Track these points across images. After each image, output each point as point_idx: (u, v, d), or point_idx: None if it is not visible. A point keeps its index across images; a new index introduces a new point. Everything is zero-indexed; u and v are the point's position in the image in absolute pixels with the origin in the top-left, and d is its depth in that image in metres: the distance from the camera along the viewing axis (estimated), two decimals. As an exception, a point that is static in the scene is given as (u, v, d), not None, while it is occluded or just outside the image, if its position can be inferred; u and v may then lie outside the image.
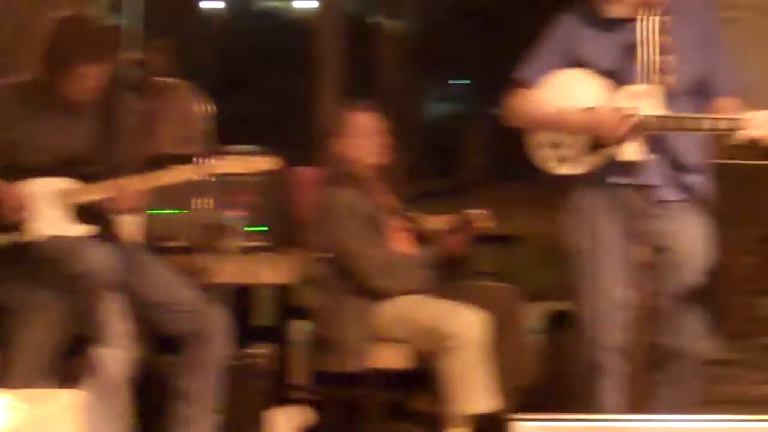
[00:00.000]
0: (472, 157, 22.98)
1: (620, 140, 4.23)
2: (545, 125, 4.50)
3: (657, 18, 4.19)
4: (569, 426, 3.48)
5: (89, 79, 4.40)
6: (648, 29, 4.14)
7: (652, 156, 4.33)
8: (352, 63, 18.93)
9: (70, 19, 4.51)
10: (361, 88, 19.19)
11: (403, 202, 5.49)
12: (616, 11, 4.36)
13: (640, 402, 4.44)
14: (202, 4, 25.32)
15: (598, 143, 4.36)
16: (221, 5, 27.00)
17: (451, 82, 27.37)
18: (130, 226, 4.80)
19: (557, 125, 4.46)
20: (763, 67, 6.72)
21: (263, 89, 20.96)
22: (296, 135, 10.21)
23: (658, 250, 4.42)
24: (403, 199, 15.87)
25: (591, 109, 4.36)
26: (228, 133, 4.89)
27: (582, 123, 4.39)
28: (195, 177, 4.34)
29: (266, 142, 5.70)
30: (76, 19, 4.55)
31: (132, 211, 4.49)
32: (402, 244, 5.16)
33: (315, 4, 21.16)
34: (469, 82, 25.54)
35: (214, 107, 4.11)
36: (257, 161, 4.49)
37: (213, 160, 4.33)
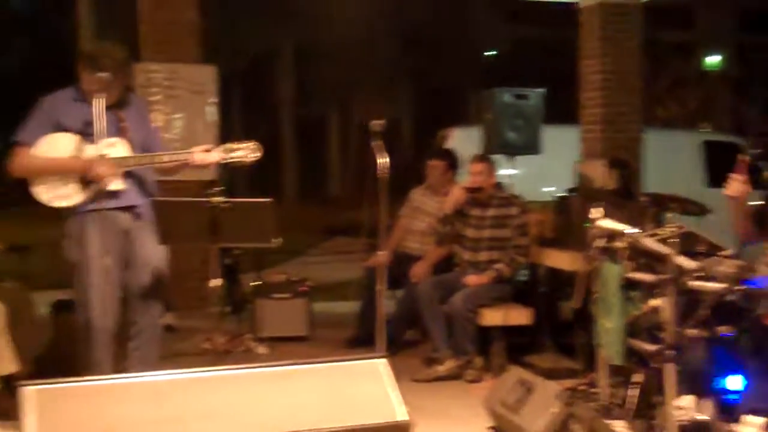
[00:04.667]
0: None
1: (101, 176, 4.20)
2: (49, 171, 4.35)
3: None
4: (67, 387, 3.42)
5: None
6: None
7: (130, 186, 4.36)
8: None
9: None
10: None
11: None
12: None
13: (120, 364, 4.46)
14: None
15: (87, 181, 4.30)
16: None
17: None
18: None
19: (58, 170, 4.34)
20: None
21: None
22: None
23: (133, 255, 4.44)
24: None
25: (76, 156, 4.30)
26: None
27: (72, 166, 4.31)
28: None
29: None
30: None
31: None
32: None
33: None
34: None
35: None
36: None
37: None
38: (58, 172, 4.33)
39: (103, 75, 4.23)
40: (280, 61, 20.96)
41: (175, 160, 4.36)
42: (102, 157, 4.17)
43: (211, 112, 7.35)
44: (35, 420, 3.26)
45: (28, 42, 22.97)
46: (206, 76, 7.33)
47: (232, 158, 4.29)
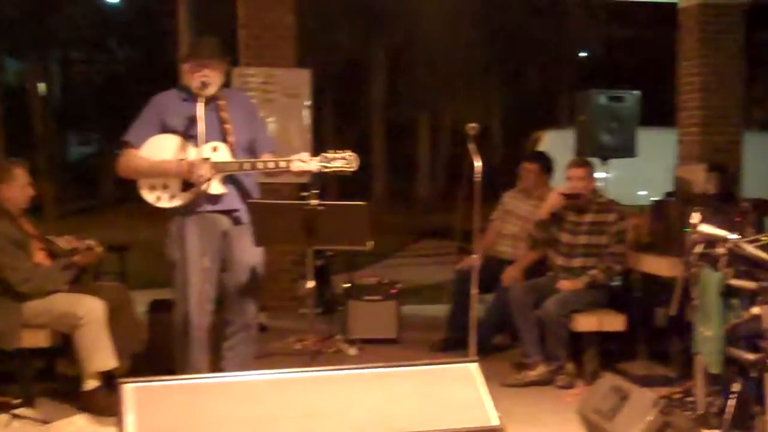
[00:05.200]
0: (106, 184, 22.34)
1: (202, 180, 4.27)
2: (146, 175, 4.46)
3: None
4: (165, 384, 3.48)
5: None
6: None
7: (230, 190, 4.44)
8: (12, 118, 17.90)
9: None
10: (20, 137, 18.16)
11: (53, 222, 5.24)
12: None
13: (216, 363, 4.53)
14: None
15: (188, 184, 4.39)
16: None
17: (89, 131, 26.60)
18: None
19: (160, 172, 4.44)
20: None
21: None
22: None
23: (231, 257, 4.51)
24: (54, 217, 15.02)
25: (181, 159, 4.39)
26: None
27: (169, 171, 4.40)
28: None
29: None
30: None
31: None
32: (42, 259, 4.94)
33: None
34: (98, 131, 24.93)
35: None
36: None
37: None
38: (161, 175, 4.43)
39: (205, 62, 4.32)
40: (372, 64, 21.05)
41: (274, 168, 4.41)
42: (204, 161, 4.24)
43: (306, 116, 7.44)
44: (134, 416, 3.33)
45: (130, 47, 23.68)
46: (301, 79, 7.42)
47: (330, 168, 4.30)
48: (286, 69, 7.35)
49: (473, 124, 4.34)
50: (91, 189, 22.50)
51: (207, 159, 4.24)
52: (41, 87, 20.87)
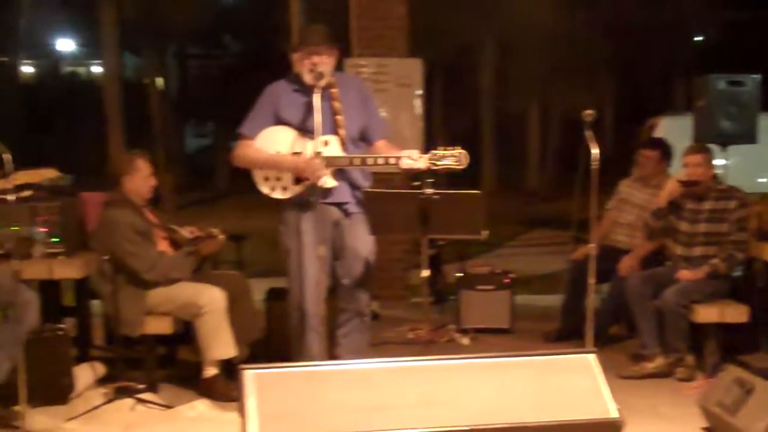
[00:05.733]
0: (222, 175, 22.88)
1: (316, 177, 4.32)
2: (261, 167, 4.53)
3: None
4: (284, 371, 3.54)
5: None
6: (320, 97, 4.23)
7: (340, 182, 4.48)
8: (132, 111, 18.49)
9: None
10: (140, 130, 18.75)
11: (173, 212, 5.40)
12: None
13: (331, 350, 4.58)
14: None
15: (301, 178, 4.45)
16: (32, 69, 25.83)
17: (204, 123, 27.31)
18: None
19: (268, 166, 4.51)
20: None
21: (67, 133, 20.14)
22: (88, 167, 9.81)
23: (343, 246, 4.56)
24: (173, 207, 15.47)
25: (297, 153, 4.44)
26: (38, 165, 4.69)
27: (284, 166, 4.46)
28: (7, 186, 4.08)
29: (66, 171, 5.54)
30: None
31: None
32: (165, 248, 5.09)
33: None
34: (214, 123, 25.55)
35: (18, 151, 3.91)
36: (43, 172, 4.29)
37: (14, 175, 4.09)
38: (275, 168, 4.50)
39: (315, 49, 4.36)
40: (482, 52, 20.89)
41: (383, 165, 4.41)
42: (316, 155, 4.28)
43: (417, 105, 7.44)
44: (255, 402, 3.39)
45: (244, 40, 24.13)
46: (413, 69, 7.42)
47: (439, 166, 4.28)
48: (398, 59, 7.35)
49: (590, 111, 4.25)
50: (207, 180, 23.06)
51: (318, 153, 4.28)
52: (159, 81, 21.47)
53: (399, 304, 7.23)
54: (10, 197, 4.09)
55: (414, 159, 4.31)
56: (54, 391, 4.66)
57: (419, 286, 6.97)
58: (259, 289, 5.80)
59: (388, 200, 4.37)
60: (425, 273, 4.41)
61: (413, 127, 7.37)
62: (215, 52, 25.73)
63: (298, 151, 4.45)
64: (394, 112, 7.25)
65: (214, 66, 25.98)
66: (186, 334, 5.13)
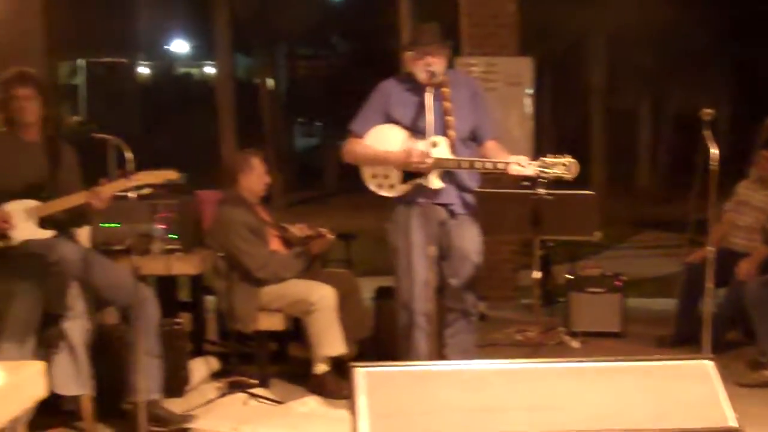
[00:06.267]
0: (330, 174, 23.15)
1: (424, 171, 4.32)
2: (369, 163, 4.56)
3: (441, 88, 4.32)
4: (393, 370, 3.55)
5: (22, 102, 4.28)
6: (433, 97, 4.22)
7: (447, 184, 4.47)
8: (243, 111, 18.88)
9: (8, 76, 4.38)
10: (251, 129, 19.11)
11: (282, 211, 5.49)
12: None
13: (438, 350, 4.57)
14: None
15: (408, 175, 4.45)
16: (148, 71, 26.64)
17: (313, 123, 27.70)
18: (83, 235, 4.71)
19: (381, 161, 4.53)
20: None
21: (181, 132, 20.66)
22: (202, 166, 10.05)
23: (450, 246, 4.55)
24: (282, 206, 15.72)
25: (401, 151, 4.45)
26: (154, 165, 4.84)
27: (391, 159, 4.48)
28: (130, 185, 4.22)
29: (183, 170, 5.68)
30: (15, 71, 4.41)
31: (102, 209, 4.34)
32: (277, 246, 5.18)
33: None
34: (322, 123, 25.89)
35: (136, 150, 4.05)
36: (164, 173, 4.42)
37: (137, 175, 4.23)
38: (382, 163, 4.52)
39: (428, 49, 4.35)
40: (592, 49, 20.54)
41: (491, 170, 4.38)
42: (426, 152, 4.28)
43: (527, 104, 7.37)
44: (366, 399, 3.41)
45: (352, 40, 24.35)
46: (523, 67, 7.35)
47: (547, 174, 4.22)
48: (508, 57, 7.29)
49: (708, 110, 4.13)
50: (315, 179, 23.35)
51: (427, 153, 4.27)
52: (269, 82, 21.86)
53: (506, 305, 7.18)
54: (131, 194, 4.21)
55: (523, 165, 4.27)
56: (171, 384, 4.78)
57: (527, 287, 6.94)
58: (367, 287, 5.85)
59: (500, 201, 4.33)
60: (537, 274, 4.37)
61: (523, 127, 7.31)
62: (323, 52, 26.04)
63: (404, 150, 4.45)
64: (504, 112, 7.19)
65: (323, 66, 26.29)
66: (296, 331, 5.21)
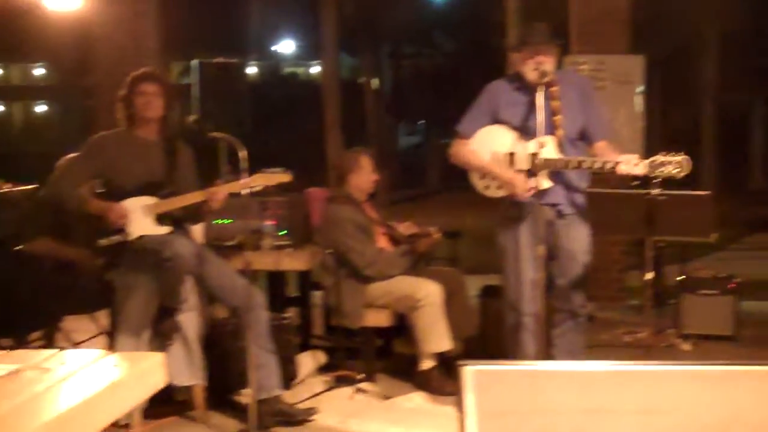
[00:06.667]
0: (432, 173, 23.19)
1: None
2: (477, 170, 4.55)
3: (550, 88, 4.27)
4: (501, 369, 3.52)
5: (149, 97, 4.43)
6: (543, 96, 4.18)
7: (555, 184, 4.41)
8: (348, 110, 19.06)
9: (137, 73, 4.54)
10: (356, 128, 19.28)
11: (385, 209, 5.52)
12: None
13: (545, 350, 4.52)
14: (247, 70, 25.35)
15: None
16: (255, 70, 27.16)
17: (416, 122, 27.78)
18: (196, 231, 4.83)
19: (488, 174, 4.51)
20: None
21: (287, 131, 21.00)
22: (308, 164, 10.16)
23: (558, 246, 4.49)
24: (385, 204, 15.81)
25: (512, 155, 4.41)
26: (262, 163, 4.93)
27: (498, 178, 4.45)
28: (243, 187, 4.32)
29: (290, 168, 5.78)
30: (143, 69, 4.58)
31: (217, 208, 4.46)
32: (384, 244, 5.21)
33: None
34: (424, 122, 25.93)
35: (246, 149, 4.14)
36: (278, 176, 4.50)
37: (252, 177, 4.33)
38: (488, 176, 4.50)
39: (538, 48, 4.31)
40: (704, 46, 20.00)
41: (599, 169, 4.30)
42: (532, 156, 4.23)
43: (638, 103, 7.21)
44: (474, 398, 3.40)
45: (456, 39, 24.32)
46: (633, 66, 7.19)
47: (658, 173, 4.11)
48: (618, 56, 7.14)
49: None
50: (418, 177, 23.43)
51: (535, 155, 4.22)
52: (374, 81, 22.01)
53: (614, 306, 7.04)
54: (243, 191, 4.30)
55: (632, 165, 4.18)
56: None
57: (635, 288, 6.80)
58: (472, 285, 5.83)
59: (613, 201, 4.26)
60: (649, 275, 4.27)
61: (632, 127, 7.14)
62: (427, 51, 26.07)
63: (513, 151, 4.41)
64: (613, 111, 7.05)
65: (427, 65, 26.34)
66: (401, 326, 5.23)
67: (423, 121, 26.52)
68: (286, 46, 28.02)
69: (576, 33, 7.25)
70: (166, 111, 4.52)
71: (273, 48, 27.47)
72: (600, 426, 3.33)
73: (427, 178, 23.40)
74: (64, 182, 4.41)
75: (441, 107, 20.00)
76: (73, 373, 2.45)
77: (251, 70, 26.64)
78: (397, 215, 6.08)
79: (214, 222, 5.18)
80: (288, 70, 29.21)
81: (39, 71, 33.76)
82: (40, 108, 33.73)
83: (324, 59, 19.45)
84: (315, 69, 25.73)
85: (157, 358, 2.70)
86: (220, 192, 4.38)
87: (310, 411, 4.56)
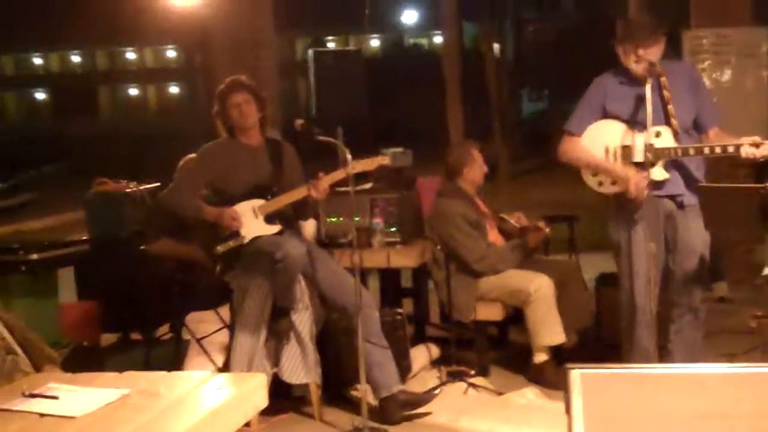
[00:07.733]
0: (556, 141, 22.81)
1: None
2: (587, 167, 4.46)
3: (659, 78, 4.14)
4: (610, 372, 3.47)
5: (241, 107, 4.53)
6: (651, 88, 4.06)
7: (675, 174, 4.29)
8: (470, 80, 18.86)
9: (223, 86, 4.63)
10: (477, 98, 19.10)
11: (506, 182, 5.43)
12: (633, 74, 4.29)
13: (663, 347, 4.42)
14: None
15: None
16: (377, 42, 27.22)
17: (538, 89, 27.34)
18: (307, 229, 4.92)
19: (595, 170, 4.43)
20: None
21: (412, 105, 21.04)
22: (429, 138, 10.01)
23: (677, 239, 4.37)
24: (508, 176, 15.62)
25: (626, 147, 4.31)
26: (385, 141, 4.96)
27: (611, 174, 4.36)
28: (346, 175, 4.37)
29: (405, 145, 5.81)
30: (228, 81, 4.65)
31: (322, 199, 4.57)
32: (495, 237, 5.19)
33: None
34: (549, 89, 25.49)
35: (361, 132, 4.20)
36: (376, 159, 4.53)
37: (351, 164, 4.34)
38: (598, 170, 4.40)
39: (641, 42, 4.17)
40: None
41: (720, 153, 4.14)
42: (648, 147, 4.11)
43: (764, 77, 6.88)
44: (581, 402, 3.37)
45: (580, 5, 23.75)
46: (757, 38, 6.86)
47: None
48: (741, 28, 6.83)
49: None
50: (542, 147, 23.10)
51: (651, 145, 4.10)
52: (495, 48, 21.75)
53: (741, 288, 6.77)
54: (351, 189, 4.35)
55: (757, 146, 4.00)
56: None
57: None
58: (590, 264, 5.66)
59: (726, 195, 4.09)
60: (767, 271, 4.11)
61: (758, 103, 6.83)
62: (550, 16, 25.59)
63: (628, 144, 4.30)
64: (736, 87, 6.76)
65: (550, 30, 25.84)
66: (516, 316, 5.21)
67: (547, 89, 26.08)
68: (408, 17, 27.97)
69: (697, 6, 6.96)
70: (262, 114, 4.63)
71: (396, 19, 27.48)
72: (711, 431, 3.25)
73: (552, 146, 23.03)
74: (181, 193, 4.58)
75: (565, 74, 19.61)
76: (179, 398, 2.57)
77: (374, 42, 26.76)
78: (520, 187, 5.99)
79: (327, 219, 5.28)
80: (411, 41, 29.16)
81: (171, 53, 34.87)
82: (173, 89, 34.88)
83: (444, 28, 19.25)
84: (439, 39, 25.59)
85: (259, 379, 2.79)
86: (322, 183, 4.46)
87: (431, 394, 4.61)
